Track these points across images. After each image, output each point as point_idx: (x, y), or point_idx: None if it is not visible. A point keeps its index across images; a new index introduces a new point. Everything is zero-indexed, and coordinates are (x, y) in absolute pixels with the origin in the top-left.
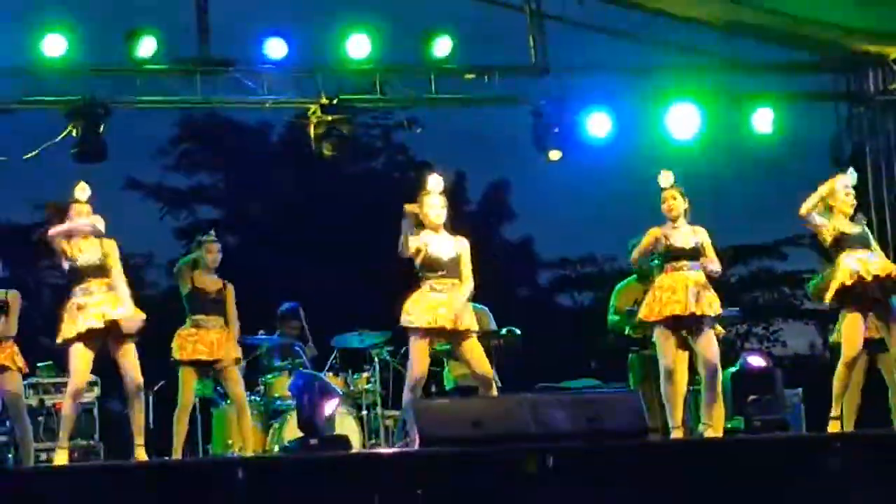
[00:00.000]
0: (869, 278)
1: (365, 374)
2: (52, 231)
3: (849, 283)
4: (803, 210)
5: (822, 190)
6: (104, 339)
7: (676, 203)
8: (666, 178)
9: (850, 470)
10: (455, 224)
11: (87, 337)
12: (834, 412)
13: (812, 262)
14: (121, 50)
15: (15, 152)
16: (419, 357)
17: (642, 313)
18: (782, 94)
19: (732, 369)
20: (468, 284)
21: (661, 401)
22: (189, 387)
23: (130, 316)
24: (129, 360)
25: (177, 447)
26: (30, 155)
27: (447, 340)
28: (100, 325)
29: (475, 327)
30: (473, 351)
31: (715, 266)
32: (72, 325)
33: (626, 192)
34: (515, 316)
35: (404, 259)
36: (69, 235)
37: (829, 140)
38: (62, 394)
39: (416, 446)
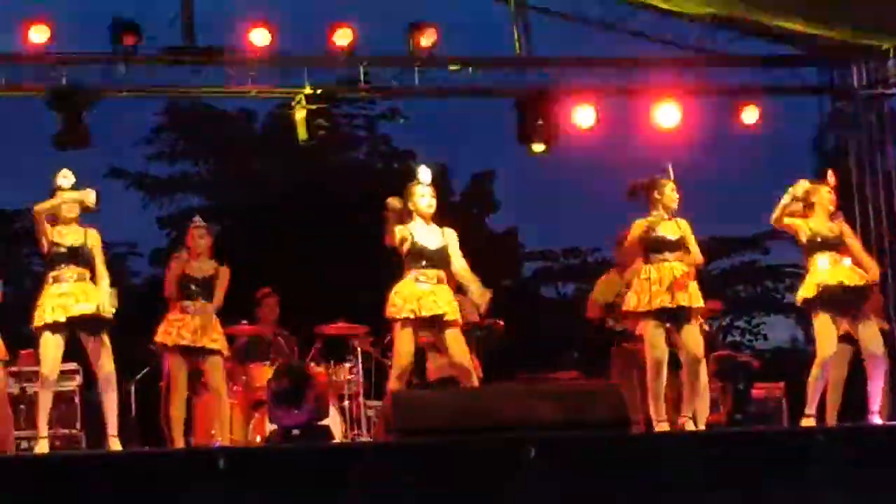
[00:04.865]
0: (834, 283)
1: (347, 365)
2: (38, 207)
3: (813, 294)
4: (773, 220)
5: (788, 197)
6: (75, 330)
7: (675, 196)
8: (671, 171)
9: (832, 463)
10: (440, 215)
11: (56, 327)
12: (808, 410)
13: (794, 256)
14: (106, 38)
15: None
16: (404, 346)
17: (629, 304)
18: (766, 88)
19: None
20: (464, 273)
21: (642, 393)
22: (180, 372)
23: (99, 311)
24: (101, 351)
25: (177, 436)
26: None
27: (431, 330)
28: (61, 319)
29: (458, 316)
30: (455, 341)
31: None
32: (41, 313)
33: (611, 184)
34: (498, 306)
35: (389, 249)
36: (54, 217)
37: (812, 134)
38: None
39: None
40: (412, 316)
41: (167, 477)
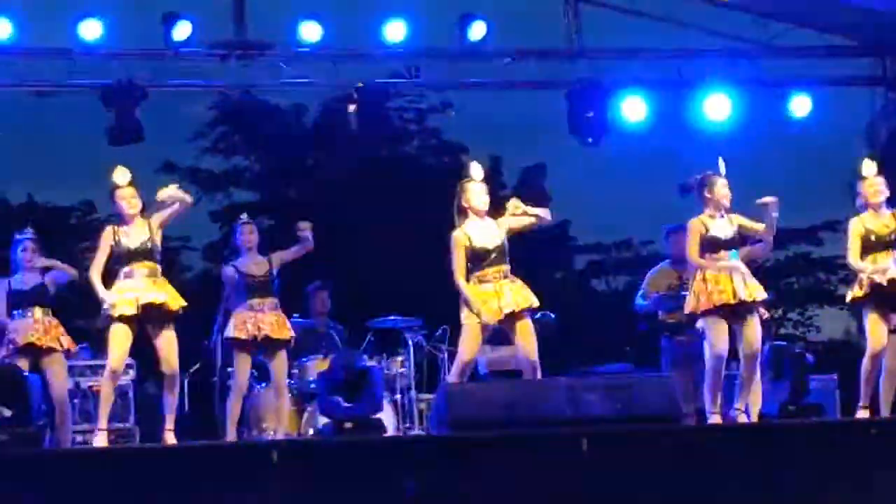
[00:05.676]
0: (884, 283)
1: (399, 358)
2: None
3: (862, 295)
4: (853, 266)
5: (856, 242)
6: (143, 323)
7: (727, 192)
8: (723, 165)
9: (885, 454)
10: (491, 208)
11: (126, 320)
12: (863, 402)
13: None
14: (157, 33)
15: (53, 135)
16: (471, 344)
17: (689, 307)
18: (818, 79)
19: None
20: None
21: (693, 386)
22: (244, 368)
23: (165, 301)
24: (167, 345)
25: (231, 429)
26: None
27: (503, 324)
28: (132, 311)
29: (530, 303)
30: (525, 333)
31: (764, 243)
32: (112, 307)
33: (662, 176)
34: (550, 300)
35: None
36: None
37: (865, 125)
38: (98, 376)
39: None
40: (478, 322)
41: (222, 470)
